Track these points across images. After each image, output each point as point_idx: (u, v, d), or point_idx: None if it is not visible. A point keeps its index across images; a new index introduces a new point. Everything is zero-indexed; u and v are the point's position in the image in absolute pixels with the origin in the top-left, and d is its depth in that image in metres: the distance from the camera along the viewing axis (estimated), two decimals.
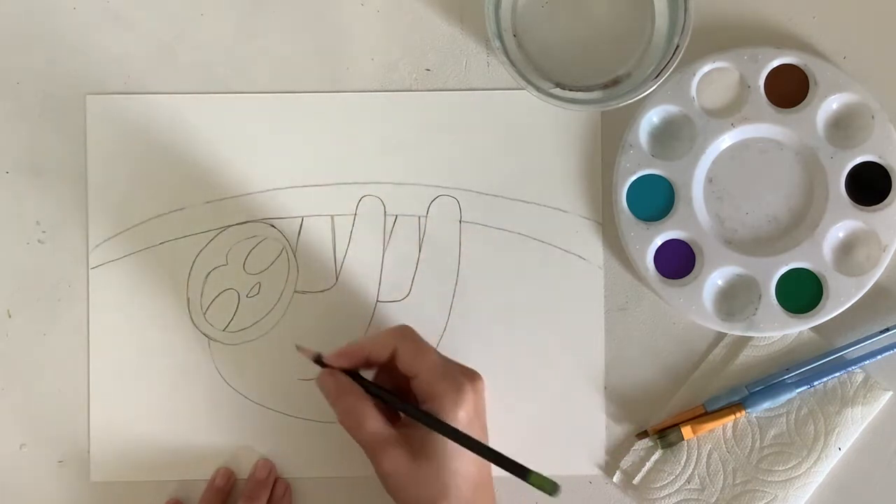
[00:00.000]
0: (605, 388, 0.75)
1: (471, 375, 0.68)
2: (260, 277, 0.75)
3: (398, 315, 0.74)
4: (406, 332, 0.69)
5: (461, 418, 0.66)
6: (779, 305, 0.73)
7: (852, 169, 0.73)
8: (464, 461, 0.66)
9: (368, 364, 0.69)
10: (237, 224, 0.75)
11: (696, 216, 0.73)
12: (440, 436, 0.65)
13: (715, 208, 0.74)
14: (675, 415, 0.74)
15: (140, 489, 0.75)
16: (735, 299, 0.74)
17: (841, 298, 0.73)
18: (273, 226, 0.75)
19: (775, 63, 0.73)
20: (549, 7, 0.72)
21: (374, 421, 0.67)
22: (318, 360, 0.69)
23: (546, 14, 0.72)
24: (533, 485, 0.63)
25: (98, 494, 0.75)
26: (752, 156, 0.74)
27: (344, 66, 0.75)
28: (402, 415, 0.69)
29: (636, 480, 0.74)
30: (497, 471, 0.65)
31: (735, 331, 0.73)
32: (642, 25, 0.72)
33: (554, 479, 0.63)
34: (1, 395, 0.75)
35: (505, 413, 0.74)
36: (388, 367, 0.69)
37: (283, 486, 0.74)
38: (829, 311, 0.73)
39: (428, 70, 0.75)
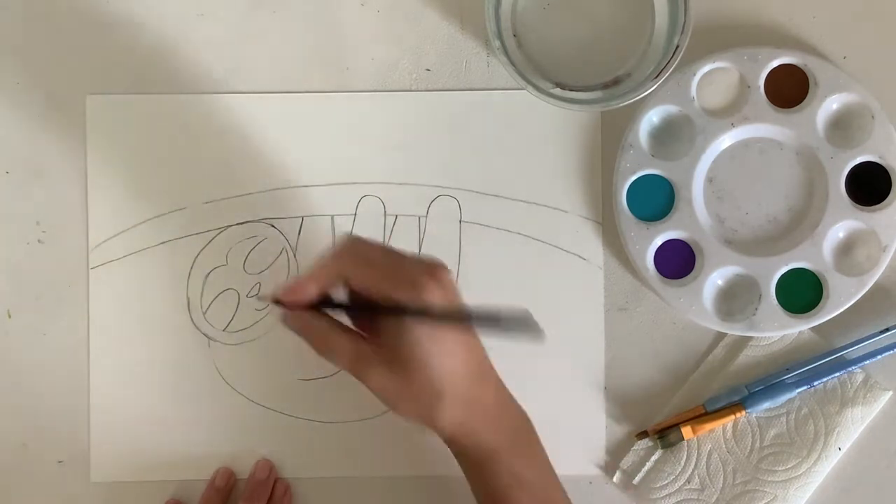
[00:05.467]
0: (605, 388, 0.75)
1: (430, 269, 0.63)
2: (260, 277, 0.75)
3: None
4: (350, 249, 0.64)
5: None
6: (779, 305, 0.73)
7: (852, 169, 0.73)
8: (447, 358, 0.62)
9: (326, 294, 0.64)
10: (237, 224, 0.75)
11: (696, 216, 0.73)
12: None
13: (715, 208, 0.74)
14: (675, 415, 0.74)
15: (140, 489, 0.75)
16: (735, 299, 0.74)
17: (841, 298, 0.73)
18: (273, 226, 0.75)
19: (775, 63, 0.73)
20: (550, 7, 0.72)
21: (346, 345, 0.63)
22: (278, 301, 0.65)
23: (546, 14, 0.72)
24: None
25: (98, 494, 0.75)
26: (752, 156, 0.74)
27: (344, 66, 0.75)
28: (378, 328, 0.64)
29: (636, 480, 0.74)
30: None
31: (735, 331, 0.73)
32: (642, 25, 0.72)
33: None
34: (1, 395, 0.75)
35: None
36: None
37: (283, 486, 0.74)
38: (829, 311, 0.73)
39: (428, 70, 0.75)
